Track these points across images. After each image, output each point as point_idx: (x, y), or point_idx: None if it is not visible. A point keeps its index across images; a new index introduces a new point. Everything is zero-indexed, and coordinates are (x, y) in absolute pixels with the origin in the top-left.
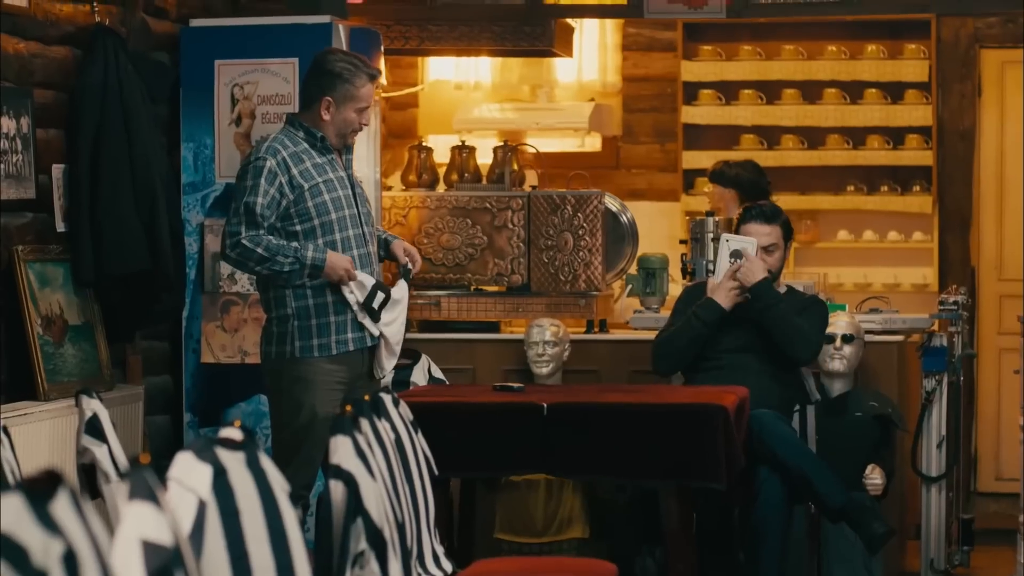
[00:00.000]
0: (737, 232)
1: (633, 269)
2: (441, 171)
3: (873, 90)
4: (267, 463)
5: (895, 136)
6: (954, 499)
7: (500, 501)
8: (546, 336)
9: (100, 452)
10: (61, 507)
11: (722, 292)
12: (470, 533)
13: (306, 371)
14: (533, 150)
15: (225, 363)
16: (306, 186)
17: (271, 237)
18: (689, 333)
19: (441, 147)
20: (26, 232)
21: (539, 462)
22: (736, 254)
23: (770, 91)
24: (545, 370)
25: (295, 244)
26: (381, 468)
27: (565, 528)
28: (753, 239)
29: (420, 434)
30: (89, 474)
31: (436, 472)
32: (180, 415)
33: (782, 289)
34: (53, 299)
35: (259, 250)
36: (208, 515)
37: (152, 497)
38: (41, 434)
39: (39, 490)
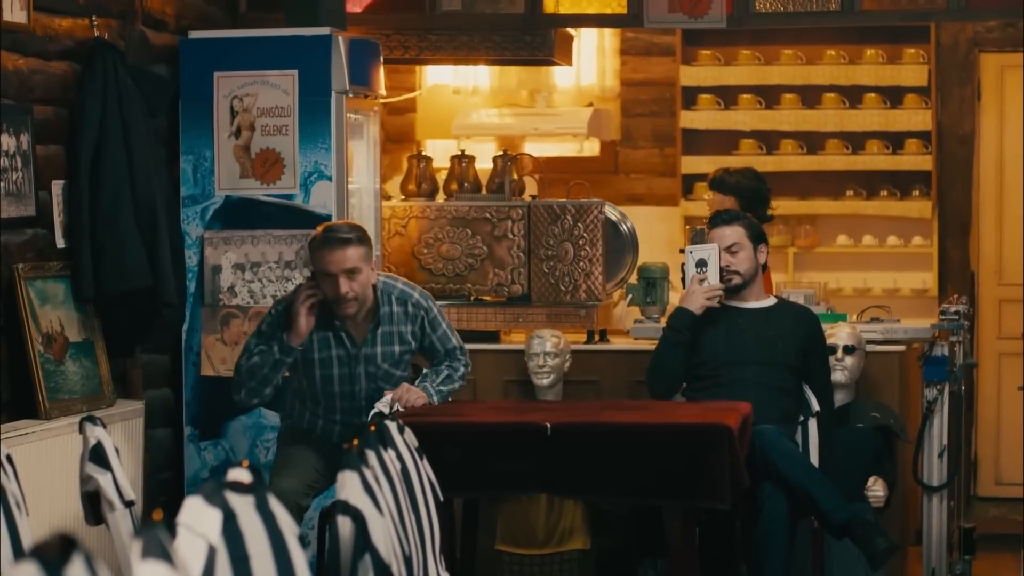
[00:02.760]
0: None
1: (633, 278)
2: (440, 178)
3: (872, 95)
4: (276, 506)
5: (894, 141)
6: (955, 507)
7: (501, 512)
8: (547, 347)
9: (104, 480)
10: (75, 573)
11: (690, 298)
12: (472, 547)
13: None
14: (529, 156)
15: (225, 376)
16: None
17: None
18: (665, 345)
19: (439, 152)
20: (27, 249)
21: (542, 482)
22: (701, 263)
23: (769, 96)
24: (546, 381)
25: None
26: (388, 501)
27: (566, 539)
28: (714, 244)
29: (425, 460)
30: (93, 501)
31: (441, 498)
32: (181, 428)
33: (771, 301)
34: (53, 316)
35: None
36: (218, 561)
37: (165, 556)
38: (42, 453)
39: (53, 556)
